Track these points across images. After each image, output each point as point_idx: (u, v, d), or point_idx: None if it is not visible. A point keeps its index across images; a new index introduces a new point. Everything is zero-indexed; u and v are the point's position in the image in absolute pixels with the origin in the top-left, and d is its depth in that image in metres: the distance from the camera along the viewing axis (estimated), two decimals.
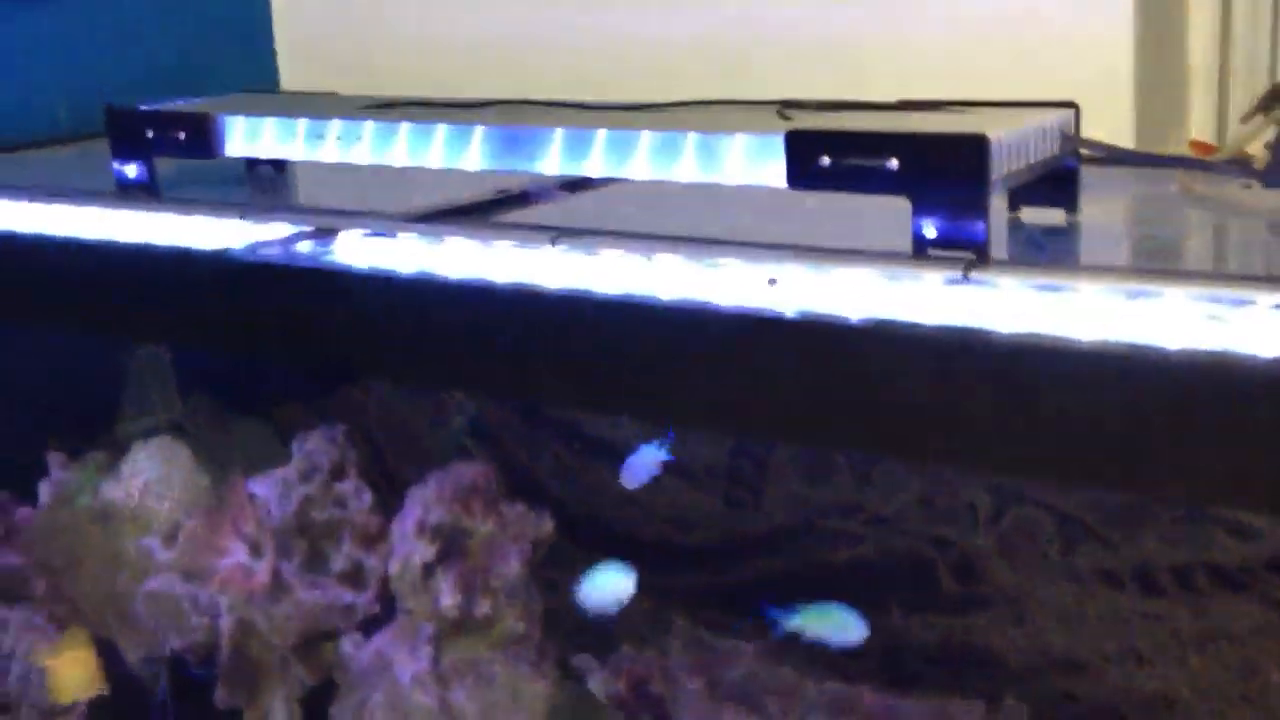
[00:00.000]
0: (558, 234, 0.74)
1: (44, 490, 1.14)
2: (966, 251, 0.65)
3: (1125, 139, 1.07)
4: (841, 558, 1.06)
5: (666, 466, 1.04)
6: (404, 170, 0.85)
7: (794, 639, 0.95)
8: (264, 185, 1.01)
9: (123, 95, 1.06)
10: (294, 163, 1.01)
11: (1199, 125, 1.14)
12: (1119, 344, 0.55)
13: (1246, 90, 1.14)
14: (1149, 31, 1.06)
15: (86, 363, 1.24)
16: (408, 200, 0.88)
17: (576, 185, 0.90)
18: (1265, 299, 0.57)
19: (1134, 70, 1.04)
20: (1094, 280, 0.62)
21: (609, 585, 0.90)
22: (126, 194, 0.94)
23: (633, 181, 0.78)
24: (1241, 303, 0.57)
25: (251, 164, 1.02)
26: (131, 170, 0.94)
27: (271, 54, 1.55)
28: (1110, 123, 1.04)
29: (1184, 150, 1.07)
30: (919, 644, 1.01)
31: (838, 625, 0.91)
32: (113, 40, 1.45)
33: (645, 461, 0.99)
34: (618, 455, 1.17)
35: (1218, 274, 0.64)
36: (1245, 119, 1.01)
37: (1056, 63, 1.06)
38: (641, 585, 1.05)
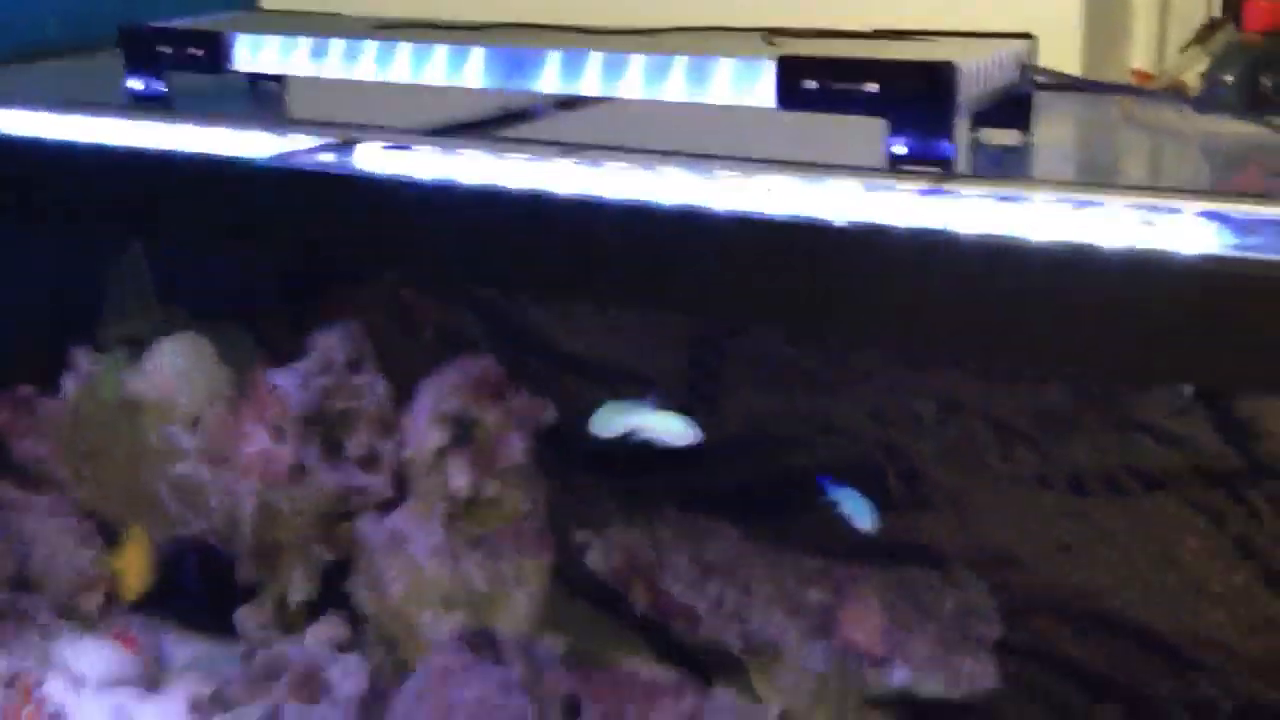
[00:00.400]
0: (568, 148, 0.82)
1: (69, 383, 1.21)
2: (935, 166, 0.74)
3: (1073, 68, 1.16)
4: (797, 462, 1.15)
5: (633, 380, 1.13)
6: (405, 88, 0.91)
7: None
8: (269, 101, 1.06)
9: (110, 11, 1.11)
10: (294, 80, 1.05)
11: (1140, 55, 1.23)
12: (1065, 244, 0.64)
13: (1184, 24, 1.23)
14: None
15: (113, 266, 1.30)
16: (413, 117, 0.93)
17: (570, 104, 0.98)
18: (1189, 207, 0.66)
19: (1082, 6, 1.13)
20: (1044, 191, 0.71)
21: (672, 428, 0.98)
22: (145, 106, 1.00)
23: (623, 101, 0.85)
24: (1170, 211, 0.67)
25: (253, 81, 1.07)
26: (146, 85, 1.00)
27: None
28: (1060, 53, 1.13)
29: (1126, 78, 1.16)
30: (868, 540, 1.07)
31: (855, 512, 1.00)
32: None
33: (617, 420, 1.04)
34: (588, 367, 1.25)
35: (1149, 186, 0.73)
36: (1183, 50, 1.10)
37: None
38: (616, 487, 1.15)
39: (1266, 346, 0.60)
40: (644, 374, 1.19)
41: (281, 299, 1.36)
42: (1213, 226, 0.65)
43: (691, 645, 1.05)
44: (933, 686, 0.94)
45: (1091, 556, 1.09)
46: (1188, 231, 0.64)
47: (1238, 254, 0.61)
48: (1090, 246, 0.63)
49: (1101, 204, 0.68)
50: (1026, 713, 1.07)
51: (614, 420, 0.97)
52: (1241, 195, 0.67)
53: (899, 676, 0.94)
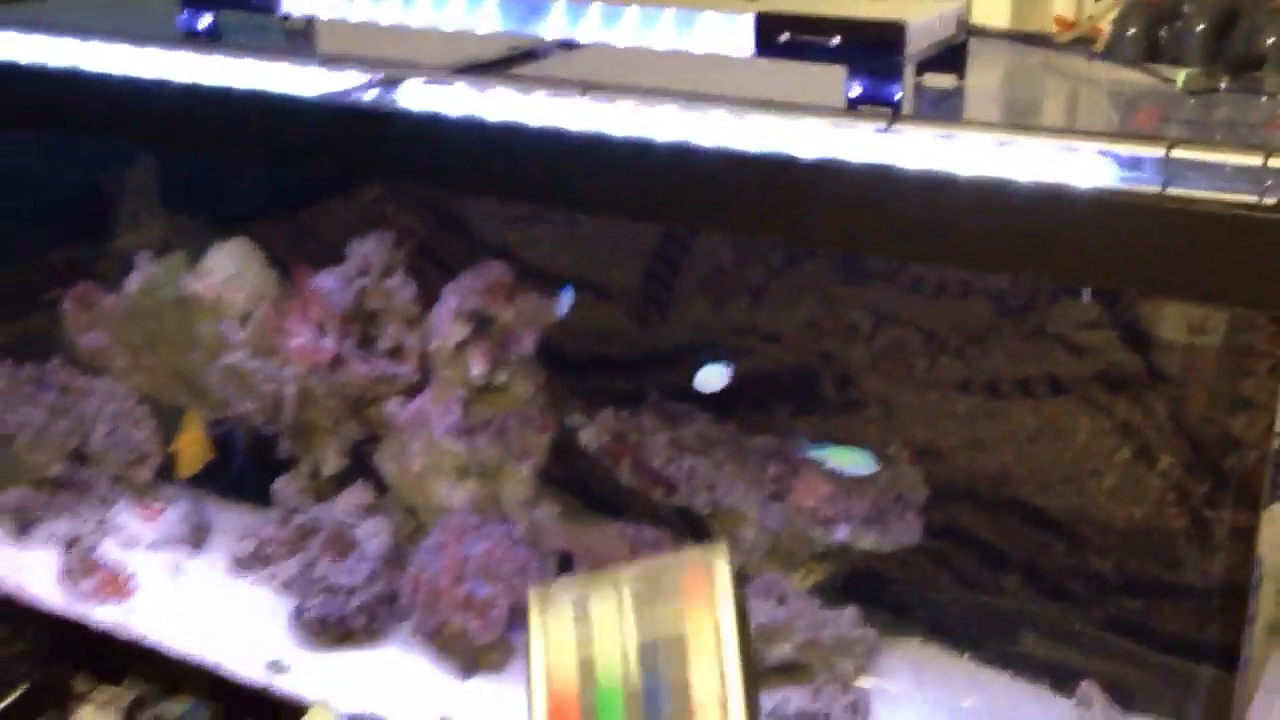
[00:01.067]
0: (585, 86, 0.96)
1: (131, 281, 1.31)
2: (885, 107, 0.89)
3: (1004, 14, 1.31)
4: (743, 369, 1.19)
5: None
6: (420, 30, 1.01)
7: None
8: (300, 38, 1.14)
9: None
10: (319, 20, 1.13)
11: (1063, 3, 1.38)
12: (990, 177, 0.80)
13: None
14: None
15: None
16: (436, 55, 1.03)
17: (569, 46, 1.11)
18: (1087, 146, 0.82)
19: None
20: (974, 130, 0.87)
21: (712, 376, 1.12)
22: (197, 41, 1.11)
23: (612, 46, 0.97)
24: (1072, 150, 0.83)
25: (283, 18, 1.13)
26: (203, 21, 1.12)
27: None
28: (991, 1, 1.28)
29: (1049, 26, 1.32)
30: (808, 434, 1.18)
31: (853, 462, 1.11)
32: None
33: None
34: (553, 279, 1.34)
35: (1056, 128, 0.89)
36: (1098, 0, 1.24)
37: None
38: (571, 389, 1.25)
39: (1139, 256, 0.78)
40: (602, 286, 1.28)
41: (276, 212, 1.45)
42: (1106, 162, 0.81)
43: (668, 510, 1.19)
44: (868, 541, 1.11)
45: (1001, 451, 1.18)
46: (1085, 166, 0.81)
47: (1123, 185, 0.77)
48: (1005, 180, 0.79)
49: (1017, 142, 0.84)
50: (938, 578, 1.19)
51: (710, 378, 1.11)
52: (1128, 136, 0.83)
53: (841, 533, 1.11)
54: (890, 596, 1.19)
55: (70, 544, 1.27)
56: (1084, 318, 1.15)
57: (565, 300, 1.17)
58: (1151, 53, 1.04)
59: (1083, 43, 1.11)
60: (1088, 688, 1.06)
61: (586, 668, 0.87)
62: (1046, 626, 1.16)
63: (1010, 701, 1.09)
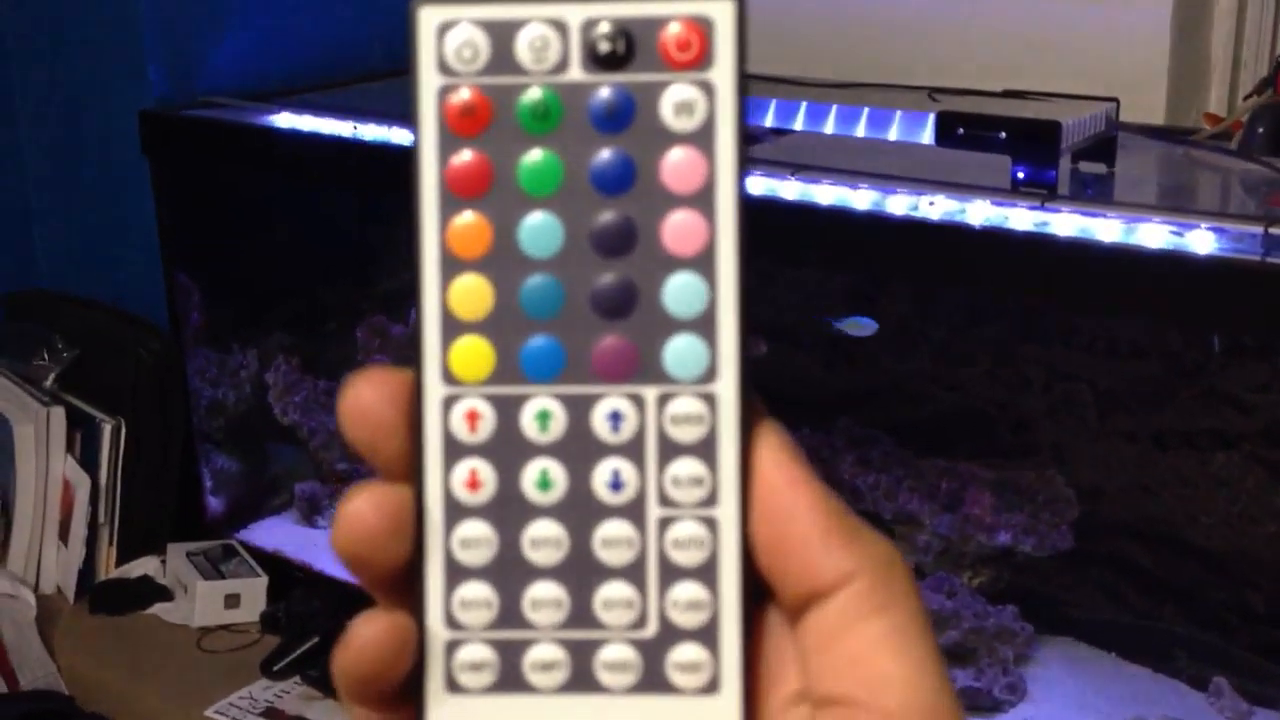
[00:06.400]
0: (795, 167, 1.21)
1: (414, 314, 1.61)
2: (1044, 189, 1.12)
3: (1159, 110, 1.51)
4: (925, 411, 1.40)
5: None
6: None
7: None
8: None
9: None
10: None
11: (1215, 101, 1.58)
12: (1125, 244, 1.02)
13: (1253, 75, 1.57)
14: (1181, 35, 1.51)
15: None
16: None
17: (781, 133, 1.37)
18: (1206, 223, 1.03)
19: (1168, 65, 1.49)
20: (1114, 208, 1.08)
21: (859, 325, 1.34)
22: None
23: (820, 134, 1.24)
24: (1192, 226, 1.03)
25: None
26: None
27: None
28: (1151, 98, 1.49)
29: (1199, 122, 1.52)
30: (980, 479, 1.35)
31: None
32: None
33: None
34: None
35: (1181, 208, 1.09)
36: (1244, 99, 1.45)
37: (1117, 57, 1.50)
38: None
39: (1243, 311, 0.98)
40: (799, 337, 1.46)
41: None
42: (1218, 236, 1.02)
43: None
44: (1026, 546, 1.31)
45: (1165, 495, 1.28)
46: (1202, 239, 1.02)
47: (1230, 254, 0.99)
48: (1137, 246, 1.01)
49: (1151, 220, 1.05)
50: (1096, 596, 1.34)
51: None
52: (1237, 216, 1.04)
53: (1002, 538, 1.32)
54: (1050, 607, 1.35)
55: None
56: (1253, 380, 1.25)
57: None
58: (1277, 148, 1.24)
59: (1221, 138, 1.31)
60: (1219, 682, 1.23)
61: None
62: (1192, 643, 1.29)
63: (1150, 690, 1.28)
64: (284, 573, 1.58)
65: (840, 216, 1.14)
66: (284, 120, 1.52)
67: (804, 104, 1.26)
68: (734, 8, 0.30)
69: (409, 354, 0.32)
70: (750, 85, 0.31)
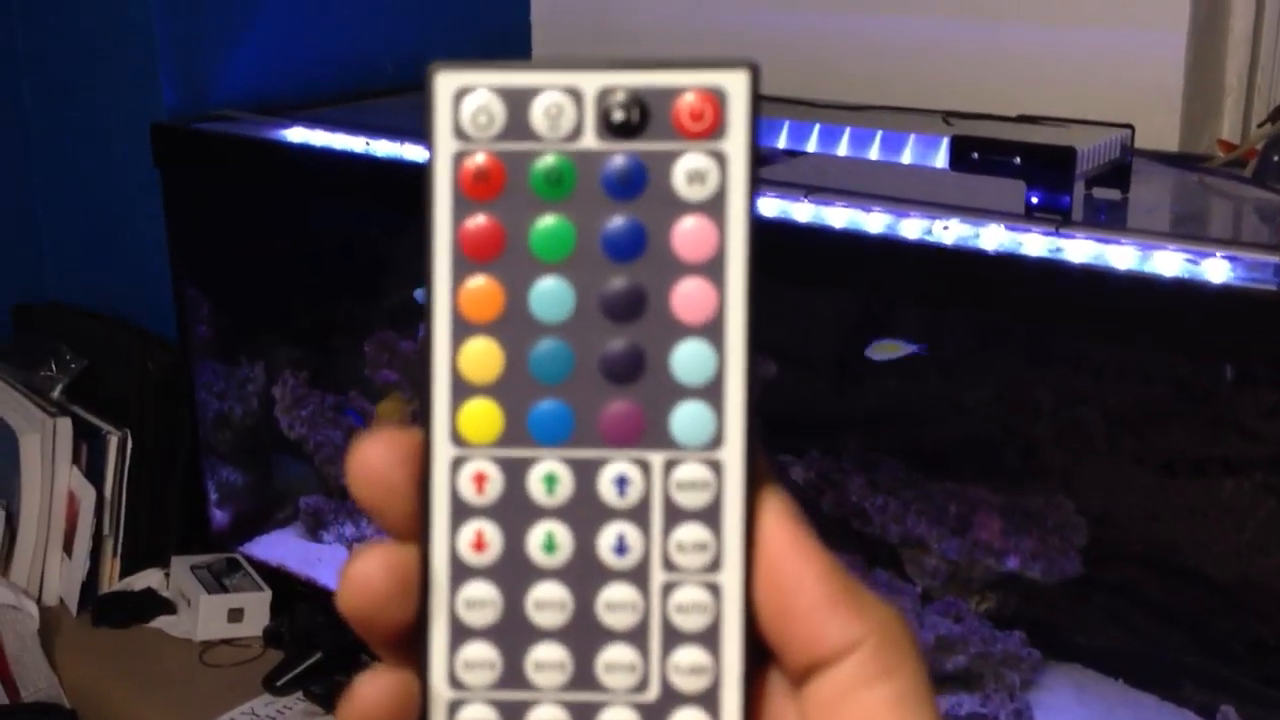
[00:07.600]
0: (808, 189, 1.21)
1: (423, 328, 1.61)
2: (1058, 215, 1.11)
3: (1173, 137, 1.51)
4: (928, 435, 1.40)
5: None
6: None
7: None
8: None
9: (441, 54, 1.50)
10: None
11: (1229, 128, 1.58)
12: (1137, 271, 1.02)
13: (1268, 103, 1.57)
14: (1195, 62, 1.51)
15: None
16: None
17: (794, 155, 1.37)
18: (1220, 252, 1.03)
19: (1183, 91, 1.48)
20: (1127, 234, 1.08)
21: (889, 349, 1.34)
22: None
23: (833, 157, 1.23)
24: (1206, 254, 1.03)
25: None
26: None
27: (527, 26, 1.92)
28: (1163, 123, 1.49)
29: (1213, 148, 1.51)
30: (989, 503, 1.34)
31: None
32: (420, 5, 1.80)
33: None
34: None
35: (1196, 236, 1.09)
36: (1259, 126, 1.44)
37: (1132, 83, 1.50)
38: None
39: (1256, 339, 0.98)
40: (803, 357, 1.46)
41: None
42: (1232, 265, 1.01)
43: (861, 537, 1.37)
44: (1034, 571, 1.31)
45: (1173, 522, 1.27)
46: (1215, 267, 1.01)
47: (1243, 283, 0.98)
48: (1151, 273, 1.01)
49: (1165, 247, 1.05)
50: (1103, 622, 1.33)
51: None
52: (1250, 245, 1.03)
53: (1011, 563, 1.31)
54: (1058, 633, 1.35)
55: (354, 543, 1.57)
56: (1261, 407, 1.25)
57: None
58: None
59: (1235, 165, 1.31)
60: (1226, 710, 1.23)
61: None
62: (1199, 671, 1.28)
63: (1157, 718, 1.27)
64: (288, 587, 1.57)
65: (853, 239, 1.13)
66: (296, 134, 1.52)
67: (817, 126, 1.26)
68: (747, 79, 0.31)
69: (417, 373, 0.32)
70: (763, 107, 0.31)
